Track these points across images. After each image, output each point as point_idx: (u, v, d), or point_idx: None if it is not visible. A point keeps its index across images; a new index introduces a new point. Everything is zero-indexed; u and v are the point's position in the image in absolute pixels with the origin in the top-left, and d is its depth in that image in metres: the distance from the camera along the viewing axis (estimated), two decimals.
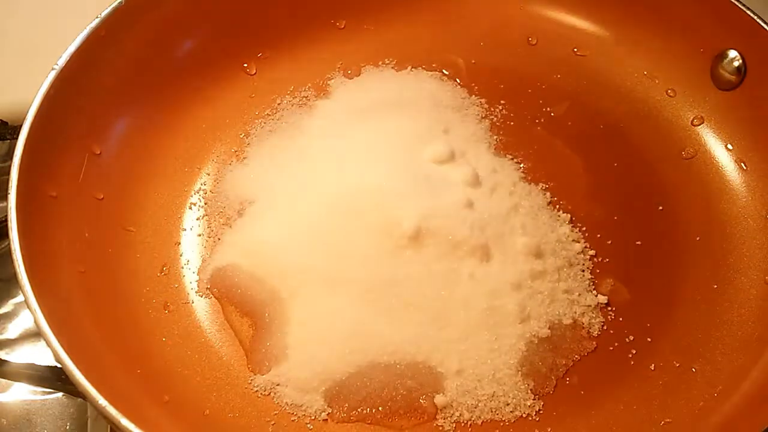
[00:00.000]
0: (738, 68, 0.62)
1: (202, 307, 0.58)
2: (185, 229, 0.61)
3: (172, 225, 0.61)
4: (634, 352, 0.56)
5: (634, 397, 0.54)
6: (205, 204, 0.62)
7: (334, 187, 0.59)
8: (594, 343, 0.56)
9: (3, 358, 0.60)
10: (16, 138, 0.53)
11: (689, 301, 0.58)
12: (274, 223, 0.60)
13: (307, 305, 0.56)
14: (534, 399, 0.53)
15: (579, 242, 0.60)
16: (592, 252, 0.59)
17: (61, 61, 0.57)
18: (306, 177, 0.61)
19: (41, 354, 0.62)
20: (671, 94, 0.67)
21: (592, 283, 0.58)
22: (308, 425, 0.53)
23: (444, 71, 0.69)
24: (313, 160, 0.62)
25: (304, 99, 0.68)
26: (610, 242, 0.60)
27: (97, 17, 0.59)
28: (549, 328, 0.55)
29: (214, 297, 0.58)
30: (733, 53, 0.62)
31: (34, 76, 0.55)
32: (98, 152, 0.60)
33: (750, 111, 0.63)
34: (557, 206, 0.62)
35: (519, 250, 0.57)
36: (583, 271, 0.59)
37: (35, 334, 0.63)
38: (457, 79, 0.69)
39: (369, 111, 0.65)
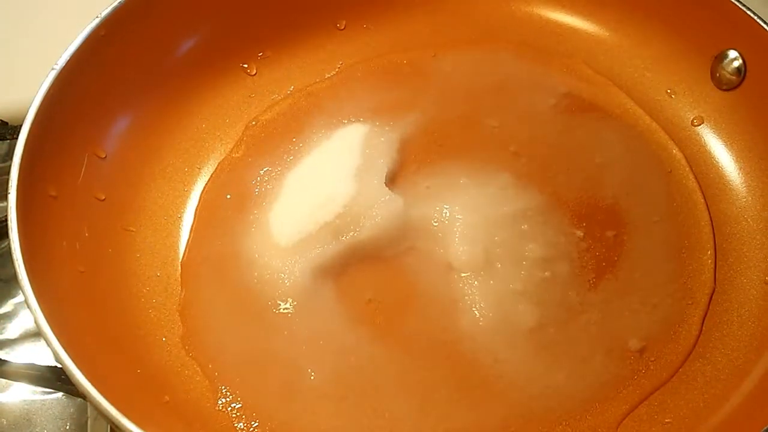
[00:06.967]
0: (738, 68, 0.62)
1: None
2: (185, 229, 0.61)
3: (172, 225, 0.61)
4: None
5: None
6: None
7: (335, 188, 0.59)
8: None
9: (3, 358, 0.60)
10: (16, 138, 0.53)
11: None
12: (274, 223, 0.59)
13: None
14: None
15: (579, 242, 0.60)
16: (592, 252, 0.59)
17: (61, 61, 0.57)
18: (306, 177, 0.61)
19: (41, 354, 0.61)
20: (671, 94, 0.67)
21: (592, 284, 0.58)
22: None
23: None
24: (313, 160, 0.62)
25: (304, 99, 0.68)
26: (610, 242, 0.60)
27: (97, 17, 0.59)
28: None
29: None
30: (733, 53, 0.62)
31: (34, 76, 0.55)
32: (99, 152, 0.60)
33: (750, 111, 0.63)
34: (557, 206, 0.61)
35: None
36: (584, 271, 0.58)
37: (35, 334, 0.63)
38: None
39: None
